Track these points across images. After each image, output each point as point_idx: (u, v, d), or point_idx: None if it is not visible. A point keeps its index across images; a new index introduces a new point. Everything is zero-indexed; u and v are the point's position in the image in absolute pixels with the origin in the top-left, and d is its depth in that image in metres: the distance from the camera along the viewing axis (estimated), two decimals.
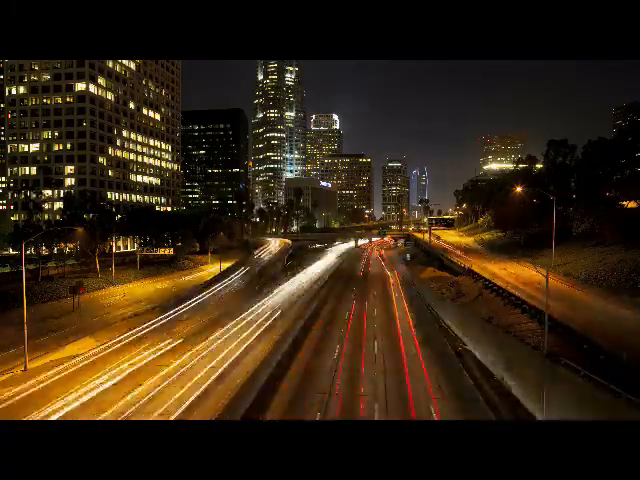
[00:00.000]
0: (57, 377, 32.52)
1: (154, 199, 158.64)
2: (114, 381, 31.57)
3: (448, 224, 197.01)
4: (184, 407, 26.84)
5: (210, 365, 34.40)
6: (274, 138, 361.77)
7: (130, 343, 41.01)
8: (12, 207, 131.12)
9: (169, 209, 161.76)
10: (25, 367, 33.84)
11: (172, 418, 25.29)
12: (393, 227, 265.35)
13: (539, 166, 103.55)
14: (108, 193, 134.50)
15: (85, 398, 28.61)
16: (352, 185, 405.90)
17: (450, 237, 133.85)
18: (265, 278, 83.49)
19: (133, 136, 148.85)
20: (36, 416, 25.96)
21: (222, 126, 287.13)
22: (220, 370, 33.25)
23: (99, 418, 25.57)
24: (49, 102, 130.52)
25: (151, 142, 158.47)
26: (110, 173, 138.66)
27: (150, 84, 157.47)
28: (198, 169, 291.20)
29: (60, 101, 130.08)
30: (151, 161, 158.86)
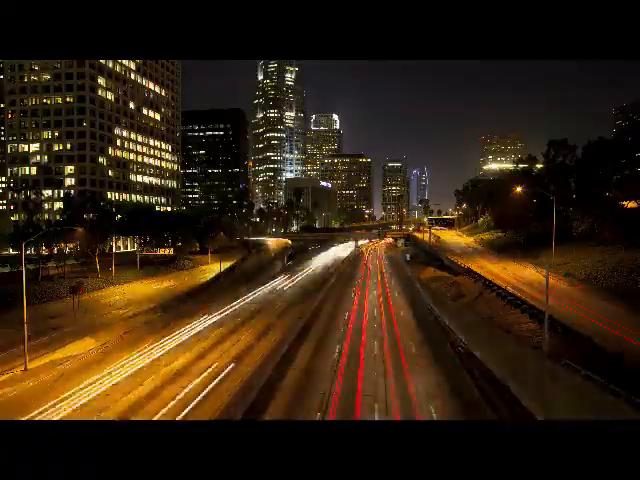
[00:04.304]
0: (57, 377, 32.51)
1: (154, 199, 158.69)
2: (115, 381, 31.57)
3: (448, 224, 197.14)
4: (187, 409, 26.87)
5: (210, 366, 34.41)
6: (274, 138, 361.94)
7: (130, 343, 41.00)
8: (12, 207, 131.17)
9: (169, 209, 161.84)
10: (25, 367, 33.84)
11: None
12: (393, 227, 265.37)
13: (539, 166, 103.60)
14: (108, 193, 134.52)
15: (85, 397, 28.62)
16: (352, 185, 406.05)
17: (450, 237, 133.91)
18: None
19: (133, 136, 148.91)
20: (37, 416, 25.97)
21: (222, 126, 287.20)
22: (217, 378, 33.28)
23: (99, 418, 25.58)
24: (49, 102, 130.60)
25: (151, 142, 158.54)
26: (110, 173, 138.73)
27: (150, 84, 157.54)
28: (198, 169, 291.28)
29: (60, 101, 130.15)
30: (151, 161, 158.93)
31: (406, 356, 35.41)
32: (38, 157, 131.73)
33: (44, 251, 74.05)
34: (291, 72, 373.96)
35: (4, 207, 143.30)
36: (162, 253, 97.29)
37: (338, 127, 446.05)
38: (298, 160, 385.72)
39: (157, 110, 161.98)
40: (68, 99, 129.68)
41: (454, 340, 39.15)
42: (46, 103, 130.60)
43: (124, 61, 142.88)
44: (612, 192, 69.27)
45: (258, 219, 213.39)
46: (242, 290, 69.76)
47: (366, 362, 34.13)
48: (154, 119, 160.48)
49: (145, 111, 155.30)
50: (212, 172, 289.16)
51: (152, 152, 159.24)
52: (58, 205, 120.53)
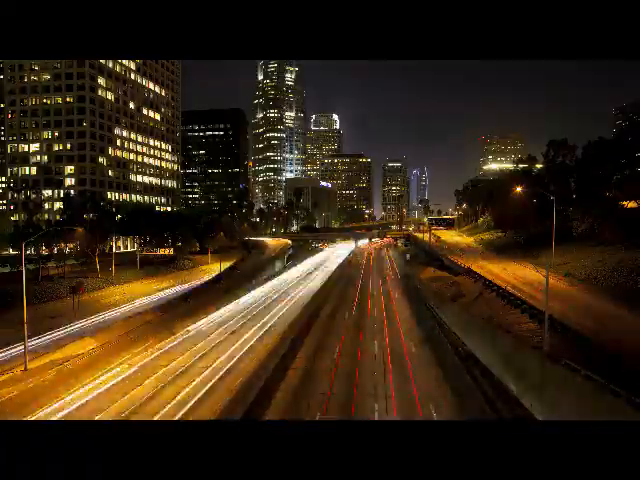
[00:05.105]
0: (57, 377, 32.51)
1: (154, 199, 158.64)
2: (114, 381, 31.57)
3: (448, 224, 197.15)
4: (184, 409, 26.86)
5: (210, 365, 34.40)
6: (274, 138, 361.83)
7: (130, 343, 40.97)
8: (12, 207, 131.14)
9: (169, 209, 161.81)
10: (25, 367, 33.82)
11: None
12: (393, 227, 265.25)
13: (539, 166, 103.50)
14: (108, 193, 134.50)
15: (85, 397, 28.62)
16: (352, 185, 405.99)
17: (450, 237, 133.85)
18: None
19: (133, 136, 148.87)
20: (37, 416, 25.96)
21: (222, 126, 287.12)
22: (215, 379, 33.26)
23: (99, 418, 25.58)
24: (49, 102, 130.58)
25: (151, 142, 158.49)
26: (110, 173, 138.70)
27: (150, 84, 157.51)
28: (198, 169, 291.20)
29: (60, 101, 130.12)
30: (151, 161, 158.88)
31: (407, 355, 35.41)
32: (38, 157, 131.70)
33: (44, 251, 74.04)
34: (291, 72, 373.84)
35: (4, 207, 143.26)
36: (162, 253, 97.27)
37: (338, 127, 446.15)
38: (298, 160, 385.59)
39: (157, 110, 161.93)
40: (68, 99, 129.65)
41: (454, 340, 39.20)
42: (46, 103, 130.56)
43: (124, 61, 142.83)
44: (612, 192, 69.20)
45: (258, 219, 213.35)
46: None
47: (366, 362, 34.14)
48: (154, 119, 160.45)
49: (145, 111, 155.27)
50: (212, 172, 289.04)
51: (152, 152, 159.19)
52: (58, 205, 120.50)
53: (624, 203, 67.91)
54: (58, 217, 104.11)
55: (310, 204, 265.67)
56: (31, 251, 71.82)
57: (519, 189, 75.69)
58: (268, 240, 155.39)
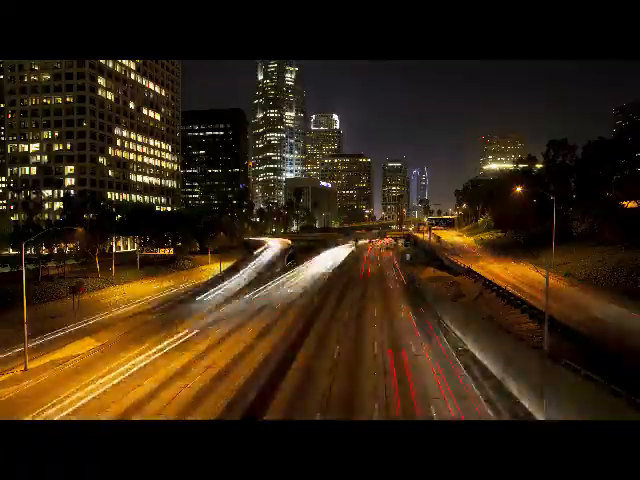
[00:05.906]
0: (58, 377, 32.51)
1: (154, 199, 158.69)
2: (115, 381, 31.56)
3: (448, 224, 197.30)
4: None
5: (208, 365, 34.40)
6: (274, 138, 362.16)
7: (130, 343, 40.97)
8: (12, 207, 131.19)
9: (169, 209, 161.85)
10: (25, 367, 33.83)
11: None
12: (393, 227, 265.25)
13: (539, 166, 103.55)
14: (108, 193, 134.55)
15: (86, 397, 28.61)
16: (352, 185, 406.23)
17: (450, 237, 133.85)
18: None
19: (133, 136, 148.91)
20: (37, 416, 25.97)
21: (222, 126, 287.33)
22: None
23: (100, 418, 25.58)
24: (49, 102, 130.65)
25: (151, 142, 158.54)
26: (110, 173, 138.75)
27: (150, 84, 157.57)
28: (198, 169, 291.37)
29: (60, 101, 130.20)
30: (151, 161, 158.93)
31: (407, 356, 35.42)
32: (38, 157, 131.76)
33: (44, 251, 74.08)
34: (291, 72, 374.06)
35: (4, 207, 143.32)
36: (162, 253, 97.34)
37: (338, 127, 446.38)
38: (298, 160, 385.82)
39: (157, 110, 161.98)
40: (68, 99, 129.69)
41: (454, 339, 39.21)
42: (46, 103, 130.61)
43: (124, 61, 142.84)
44: (612, 192, 69.23)
45: (258, 219, 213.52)
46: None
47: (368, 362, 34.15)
48: (154, 119, 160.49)
49: (145, 111, 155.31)
50: (212, 172, 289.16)
51: (152, 152, 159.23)
52: (58, 205, 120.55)
53: (624, 203, 67.93)
54: (58, 217, 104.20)
55: (310, 204, 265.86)
56: (31, 251, 71.85)
57: (519, 189, 75.71)
58: (268, 240, 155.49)
